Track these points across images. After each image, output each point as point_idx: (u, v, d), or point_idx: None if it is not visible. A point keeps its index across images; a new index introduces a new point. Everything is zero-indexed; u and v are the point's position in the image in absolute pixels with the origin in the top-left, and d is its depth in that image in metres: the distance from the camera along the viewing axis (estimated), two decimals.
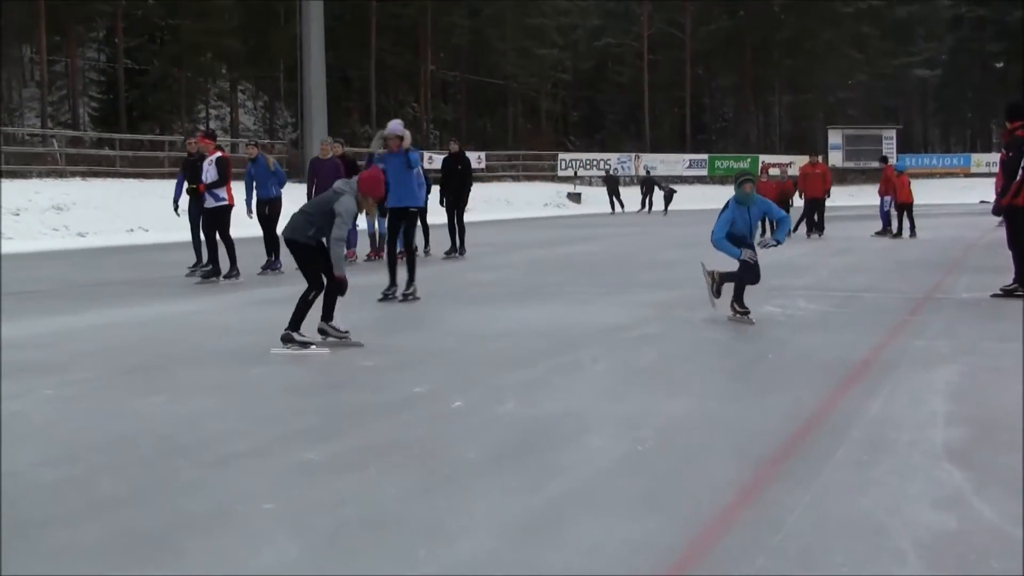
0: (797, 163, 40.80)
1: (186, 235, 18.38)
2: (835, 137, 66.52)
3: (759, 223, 12.97)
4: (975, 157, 65.26)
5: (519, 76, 72.15)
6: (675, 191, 46.11)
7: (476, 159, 58.60)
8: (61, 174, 39.48)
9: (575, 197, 53.37)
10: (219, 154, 17.28)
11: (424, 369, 9.45)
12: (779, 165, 39.47)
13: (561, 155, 62.20)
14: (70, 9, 56.02)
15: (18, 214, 28.99)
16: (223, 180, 16.86)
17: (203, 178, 16.99)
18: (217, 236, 16.95)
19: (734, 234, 12.07)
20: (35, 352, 10.68)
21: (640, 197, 48.09)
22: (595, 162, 63.00)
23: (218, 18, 58.68)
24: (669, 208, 44.53)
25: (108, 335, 11.87)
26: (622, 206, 48.49)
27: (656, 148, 68.69)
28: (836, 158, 62.96)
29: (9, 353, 10.48)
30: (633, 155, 64.20)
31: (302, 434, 7.15)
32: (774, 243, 12.73)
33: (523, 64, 71.74)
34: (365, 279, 15.96)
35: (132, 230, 26.36)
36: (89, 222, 27.48)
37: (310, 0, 44.38)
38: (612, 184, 49.74)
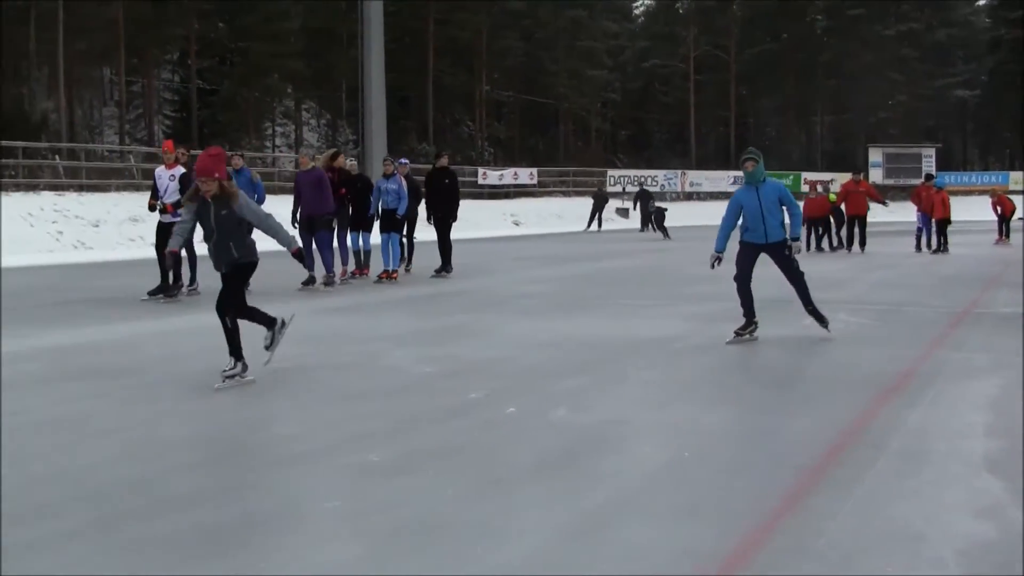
0: (839, 180, 40.56)
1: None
2: (876, 155, 66.13)
3: (779, 210, 11.39)
4: (1013, 175, 64.52)
5: (570, 96, 72.08)
6: (665, 210, 41.89)
7: (528, 175, 58.72)
8: (137, 188, 39.73)
9: (623, 212, 53.12)
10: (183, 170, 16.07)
11: (479, 376, 9.44)
12: (820, 182, 39.20)
13: (610, 172, 62.01)
14: (147, 33, 56.51)
15: (97, 226, 29.26)
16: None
17: (164, 194, 15.91)
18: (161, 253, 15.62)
19: (747, 218, 11.44)
20: (110, 356, 10.75)
21: (639, 215, 46.28)
22: (643, 179, 62.81)
23: (284, 41, 58.91)
24: (666, 227, 39.69)
25: (175, 341, 11.94)
26: (599, 225, 46.88)
27: (701, 165, 68.47)
28: (876, 175, 62.49)
29: (85, 357, 10.58)
30: (679, 172, 64.03)
31: (363, 437, 7.16)
32: (797, 247, 11.58)
33: (574, 85, 71.69)
34: (405, 291, 15.97)
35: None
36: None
37: (371, 25, 44.52)
38: (600, 202, 47.76)
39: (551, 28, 71.23)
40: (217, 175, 9.00)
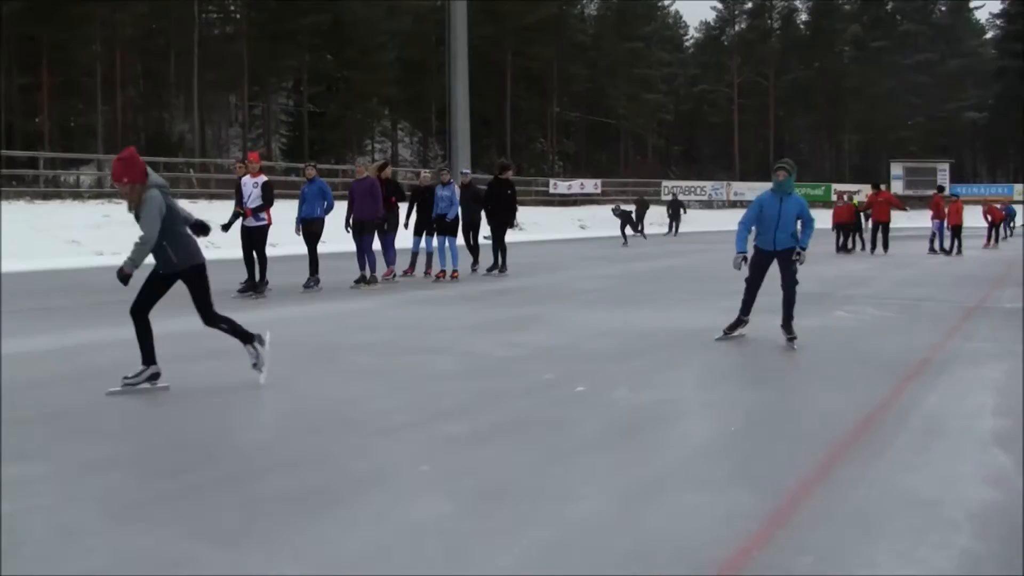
0: (864, 191, 40.21)
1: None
2: (897, 169, 65.45)
3: (794, 224, 10.49)
4: (1016, 187, 63.31)
5: (629, 117, 72.04)
6: (631, 212, 37.35)
7: (593, 185, 58.59)
8: None
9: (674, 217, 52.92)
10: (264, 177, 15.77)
11: (550, 360, 9.42)
12: (847, 192, 38.81)
13: (664, 182, 61.67)
14: (266, 65, 57.07)
15: (226, 229, 29.58)
16: (268, 203, 15.38)
17: (247, 200, 15.41)
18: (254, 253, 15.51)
19: (762, 222, 10.52)
20: (234, 340, 10.83)
21: (667, 220, 45.60)
22: (693, 188, 62.49)
23: (382, 71, 59.30)
24: (642, 231, 36.71)
25: (289, 328, 12.00)
26: (642, 230, 44.54)
27: (744, 177, 68.04)
28: (897, 187, 61.79)
29: (217, 340, 10.64)
30: (725, 183, 63.64)
31: (449, 411, 7.15)
32: (803, 257, 10.46)
33: (632, 107, 71.63)
34: (482, 286, 15.96)
35: (324, 241, 26.79)
36: (277, 236, 27.87)
37: (456, 56, 44.65)
38: (642, 209, 45.66)
39: (612, 58, 71.28)
40: (127, 179, 7.71)
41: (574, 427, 6.68)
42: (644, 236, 34.22)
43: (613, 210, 34.99)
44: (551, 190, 57.20)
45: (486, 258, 20.14)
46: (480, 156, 55.67)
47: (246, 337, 8.33)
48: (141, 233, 7.69)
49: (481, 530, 4.65)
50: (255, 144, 60.53)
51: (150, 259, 7.83)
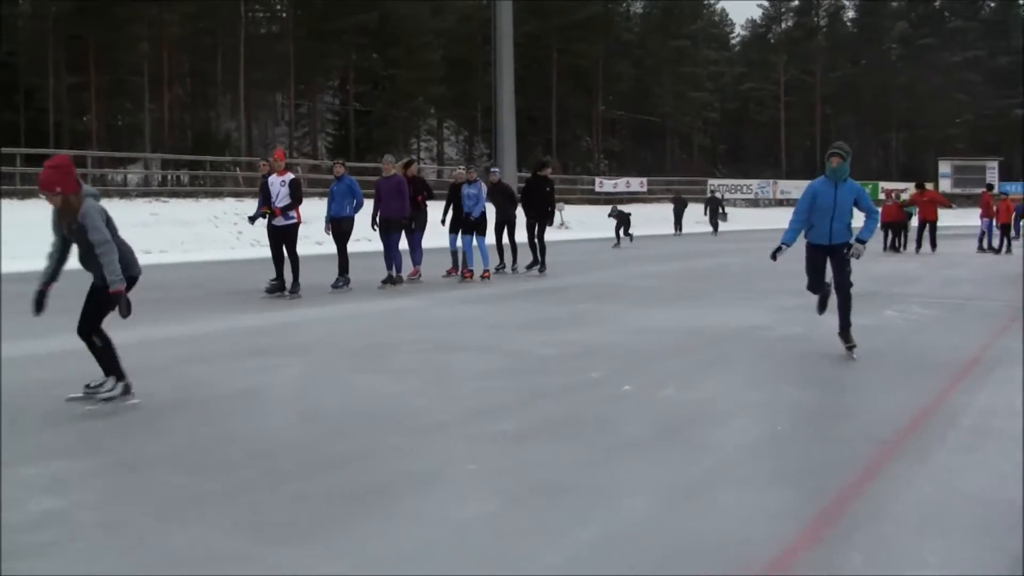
0: (911, 189, 39.96)
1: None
2: (945, 167, 64.88)
3: (851, 212, 9.48)
4: None
5: (675, 115, 71.78)
6: (629, 214, 35.03)
7: (639, 183, 58.47)
8: (306, 195, 40.20)
9: (723, 216, 52.62)
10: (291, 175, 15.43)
11: (599, 358, 9.41)
12: (895, 190, 38.55)
13: (710, 181, 61.43)
14: (312, 65, 57.38)
15: (253, 222, 29.71)
16: (297, 201, 15.05)
17: (275, 199, 15.05)
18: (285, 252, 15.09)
19: (815, 212, 9.54)
20: (282, 337, 10.92)
21: (707, 219, 44.99)
22: (739, 187, 62.28)
23: (428, 69, 59.42)
24: (632, 234, 34.11)
25: (335, 325, 12.07)
26: (680, 229, 43.48)
27: (790, 175, 67.61)
28: (945, 185, 61.30)
29: (266, 338, 10.74)
30: (771, 181, 63.33)
31: (496, 409, 7.17)
32: (858, 250, 9.49)
33: (678, 105, 71.36)
34: (528, 284, 15.94)
35: (358, 240, 26.88)
36: (324, 234, 28.09)
37: (502, 55, 44.67)
38: (680, 207, 44.52)
39: (658, 56, 71.09)
40: (59, 189, 6.91)
41: (620, 426, 6.67)
42: (631, 239, 32.85)
43: (610, 212, 33.99)
44: (596, 188, 57.16)
45: (524, 257, 19.96)
46: (526, 154, 55.69)
47: (114, 370, 7.31)
48: (97, 249, 7.04)
49: (528, 529, 4.65)
50: (301, 143, 60.90)
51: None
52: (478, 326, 11.87)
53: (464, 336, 10.96)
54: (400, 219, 16.62)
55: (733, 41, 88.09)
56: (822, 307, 10.10)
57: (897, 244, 29.81)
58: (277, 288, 15.08)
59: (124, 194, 36.00)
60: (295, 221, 15.13)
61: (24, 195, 30.28)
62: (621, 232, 32.62)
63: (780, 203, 59.86)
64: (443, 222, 18.76)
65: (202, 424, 6.75)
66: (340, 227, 16.31)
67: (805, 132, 76.44)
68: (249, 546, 4.43)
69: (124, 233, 7.37)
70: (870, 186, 60.46)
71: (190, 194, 37.31)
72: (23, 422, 6.68)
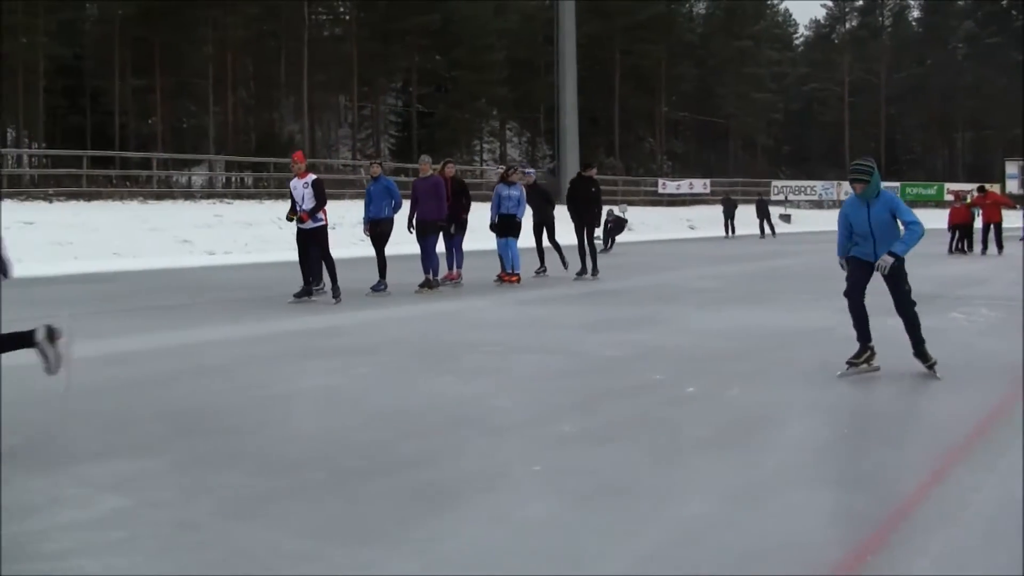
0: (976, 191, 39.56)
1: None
2: (1012, 168, 63.90)
3: (893, 228, 8.64)
4: None
5: (738, 116, 71.48)
6: (626, 221, 34.71)
7: (702, 185, 58.14)
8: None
9: (786, 218, 52.20)
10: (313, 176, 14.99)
11: (662, 360, 9.40)
12: (963, 192, 38.05)
13: (774, 182, 61.07)
14: (376, 66, 57.74)
15: (334, 227, 29.91)
16: (322, 202, 14.63)
17: (301, 203, 14.67)
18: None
19: (856, 233, 8.83)
20: (351, 338, 10.99)
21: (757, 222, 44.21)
22: (803, 188, 61.86)
23: (490, 71, 59.60)
24: (614, 241, 32.84)
25: (404, 326, 12.13)
26: (733, 231, 41.83)
27: None
28: (1012, 186, 60.43)
29: (333, 338, 10.82)
30: (835, 183, 62.77)
31: (561, 410, 7.19)
32: (884, 263, 8.49)
33: (741, 106, 71.04)
34: (592, 287, 15.86)
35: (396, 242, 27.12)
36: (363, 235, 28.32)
37: (565, 56, 44.70)
38: (730, 208, 43.35)
39: (721, 57, 70.81)
40: None
41: (685, 427, 6.67)
42: (608, 249, 31.70)
43: (607, 215, 32.69)
44: (660, 190, 57.00)
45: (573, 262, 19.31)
46: (589, 155, 55.67)
47: (23, 341, 6.38)
48: None
49: (593, 529, 4.67)
50: (364, 145, 61.25)
51: None
52: (541, 327, 11.88)
53: (530, 337, 10.98)
54: (437, 221, 16.29)
55: (797, 41, 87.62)
56: (860, 333, 8.96)
57: (964, 246, 29.42)
58: (305, 293, 14.84)
59: (188, 196, 36.41)
60: (323, 223, 14.79)
61: (90, 196, 30.72)
62: (610, 237, 31.98)
63: (834, 205, 59.35)
64: (492, 227, 18.12)
65: (272, 423, 6.82)
66: (379, 229, 15.98)
67: (869, 133, 75.81)
68: (320, 545, 4.48)
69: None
70: (935, 187, 59.89)
71: (254, 196, 37.65)
72: (90, 421, 6.79)
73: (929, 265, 21.72)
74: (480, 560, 4.30)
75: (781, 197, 57.23)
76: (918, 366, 8.86)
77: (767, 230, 41.46)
